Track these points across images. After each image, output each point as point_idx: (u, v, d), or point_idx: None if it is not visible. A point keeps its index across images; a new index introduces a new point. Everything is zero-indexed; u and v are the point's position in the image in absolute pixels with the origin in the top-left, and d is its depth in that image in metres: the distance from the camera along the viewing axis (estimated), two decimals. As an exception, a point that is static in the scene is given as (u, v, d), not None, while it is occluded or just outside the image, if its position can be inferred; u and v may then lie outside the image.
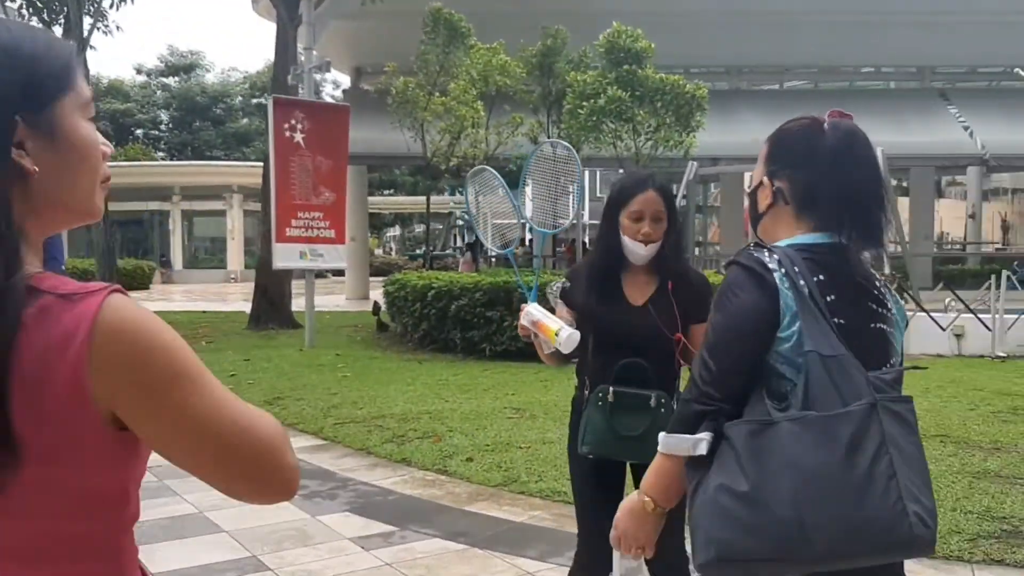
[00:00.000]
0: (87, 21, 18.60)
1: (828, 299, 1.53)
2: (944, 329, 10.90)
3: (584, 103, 12.56)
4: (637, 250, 2.51)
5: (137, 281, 30.20)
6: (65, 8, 17.42)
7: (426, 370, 9.78)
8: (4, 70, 0.92)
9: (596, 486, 2.59)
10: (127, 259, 32.58)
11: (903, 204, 23.31)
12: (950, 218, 34.60)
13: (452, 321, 11.08)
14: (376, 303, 14.39)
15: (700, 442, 1.51)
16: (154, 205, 37.89)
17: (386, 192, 53.21)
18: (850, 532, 1.39)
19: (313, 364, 10.25)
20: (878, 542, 1.39)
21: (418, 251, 46.44)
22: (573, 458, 2.67)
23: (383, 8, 15.89)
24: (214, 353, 11.45)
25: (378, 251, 49.40)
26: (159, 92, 59.70)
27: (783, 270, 1.53)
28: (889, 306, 1.62)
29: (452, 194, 43.04)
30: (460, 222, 42.39)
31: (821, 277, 1.54)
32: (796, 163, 1.63)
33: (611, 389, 2.47)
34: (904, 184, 26.83)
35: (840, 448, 1.40)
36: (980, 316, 11.04)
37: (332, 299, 24.00)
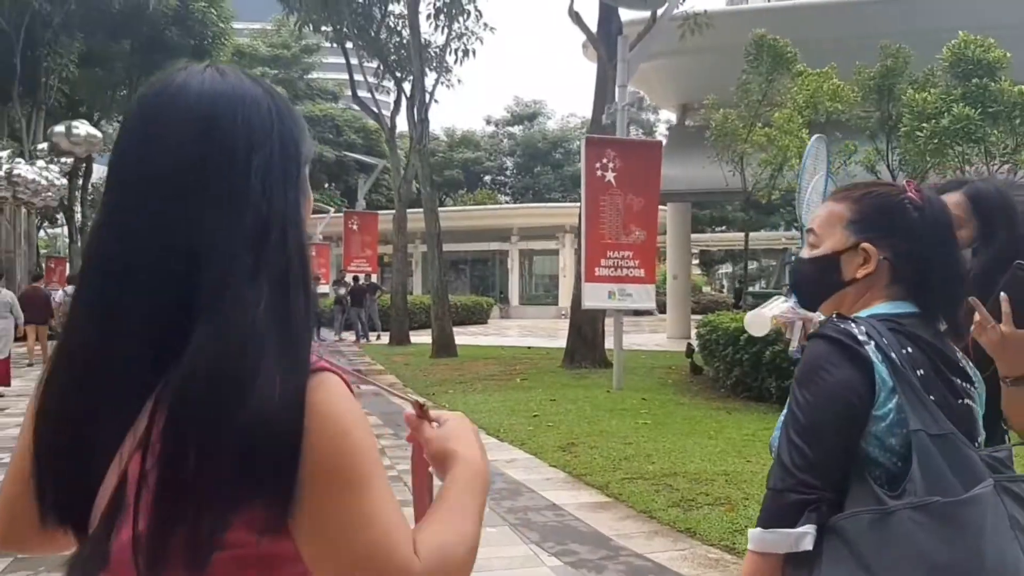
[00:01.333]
0: (432, 76, 20.36)
1: (919, 373, 1.43)
2: None
3: (924, 124, 10.99)
4: None
5: (475, 316, 32.29)
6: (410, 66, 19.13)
7: (733, 422, 9.04)
8: (294, 126, 0.95)
9: None
10: (468, 296, 35.07)
11: None
12: None
13: (767, 368, 10.20)
14: (690, 344, 13.82)
15: (804, 537, 1.37)
16: (495, 245, 40.46)
17: (718, 228, 52.21)
18: None
19: (616, 408, 9.94)
20: None
21: (751, 288, 44.82)
22: None
23: (707, 42, 15.43)
24: (524, 391, 11.61)
25: (706, 288, 48.32)
26: (505, 140, 64.26)
27: (874, 342, 1.43)
28: (973, 380, 1.52)
29: (787, 229, 41.04)
30: (793, 258, 40.24)
31: (909, 350, 1.44)
32: (895, 231, 1.54)
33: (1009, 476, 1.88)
34: None
35: (971, 537, 1.31)
36: None
37: (653, 338, 23.72)
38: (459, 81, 23.77)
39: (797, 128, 13.22)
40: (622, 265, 11.80)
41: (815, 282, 1.62)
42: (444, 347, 17.05)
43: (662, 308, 28.27)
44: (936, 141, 10.80)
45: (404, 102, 20.13)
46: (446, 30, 19.40)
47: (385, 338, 21.88)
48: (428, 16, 18.95)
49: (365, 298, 23.25)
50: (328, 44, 23.37)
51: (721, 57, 16.36)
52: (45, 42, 27.82)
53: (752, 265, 48.03)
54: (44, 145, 26.71)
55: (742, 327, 10.65)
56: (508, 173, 64.68)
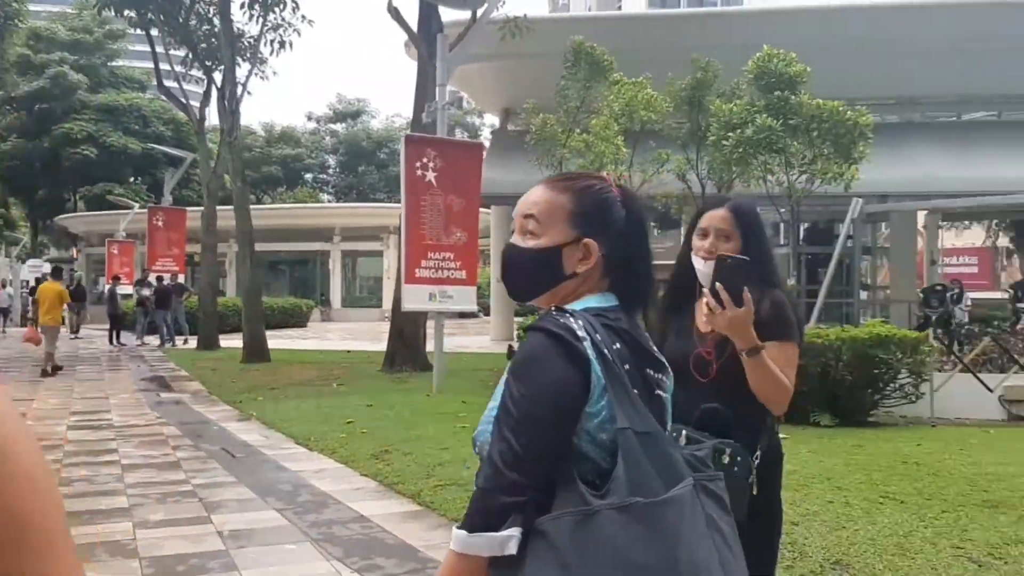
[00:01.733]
0: (245, 67, 19.40)
1: (626, 368, 1.45)
2: (991, 391, 9.43)
3: (730, 134, 11.51)
4: (697, 265, 2.40)
5: (294, 319, 31.19)
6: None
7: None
8: None
9: None
10: (286, 297, 33.83)
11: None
12: None
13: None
14: (511, 346, 13.83)
15: (509, 540, 1.35)
16: (316, 245, 39.30)
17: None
18: None
19: (435, 412, 9.73)
20: None
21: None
22: None
23: (529, 47, 15.52)
24: (340, 397, 11.19)
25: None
26: (328, 138, 62.83)
27: (590, 338, 1.44)
28: (665, 369, 1.57)
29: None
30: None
31: (618, 345, 1.47)
32: (609, 227, 1.55)
33: (684, 432, 2.20)
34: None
35: (668, 538, 1.33)
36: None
37: (478, 340, 23.73)
38: (274, 73, 23.21)
39: (613, 135, 13.51)
40: (443, 267, 11.62)
41: (533, 273, 1.57)
42: (256, 352, 16.25)
43: (487, 311, 28.38)
44: (740, 150, 11.34)
45: (215, 93, 19.03)
46: (261, 20, 18.52)
47: (194, 342, 20.65)
48: (242, 5, 18.03)
49: (171, 300, 21.87)
50: (132, 30, 21.79)
51: (542, 63, 16.52)
52: None
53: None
54: None
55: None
56: (331, 171, 63.28)
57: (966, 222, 33.79)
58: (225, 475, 6.90)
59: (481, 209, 14.00)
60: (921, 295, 16.71)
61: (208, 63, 19.45)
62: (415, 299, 11.59)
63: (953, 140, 20.21)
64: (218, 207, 19.87)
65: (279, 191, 59.79)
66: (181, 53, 19.96)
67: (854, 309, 19.99)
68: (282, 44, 19.50)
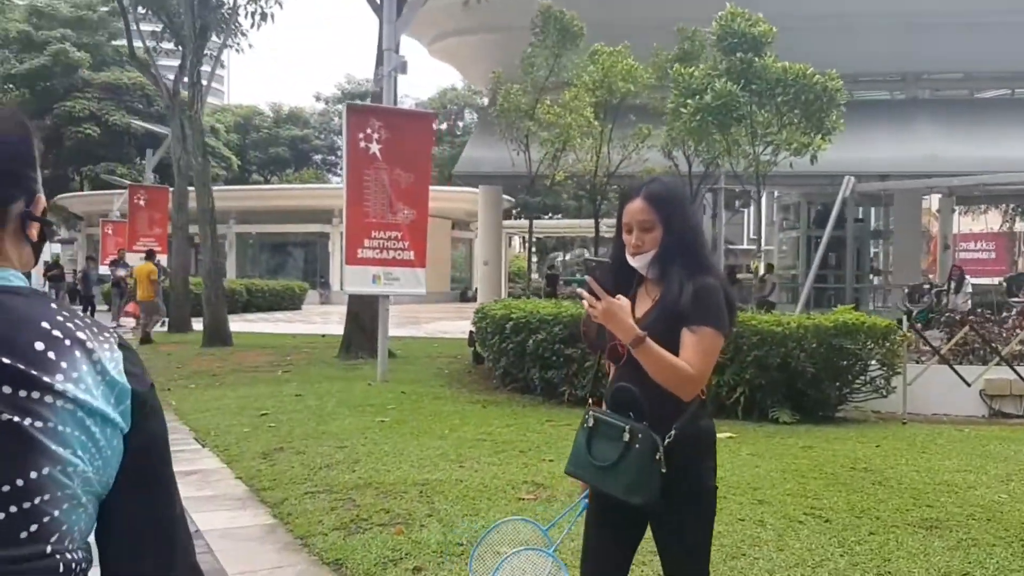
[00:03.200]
0: (219, 40, 18.64)
1: None
2: (969, 384, 8.54)
3: (688, 100, 10.54)
4: (631, 262, 2.43)
5: (286, 301, 30.58)
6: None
7: (482, 417, 8.27)
8: None
9: (599, 526, 2.47)
10: (278, 280, 33.25)
11: None
12: None
13: (531, 358, 9.54)
14: (471, 333, 13.06)
15: None
16: (316, 227, 38.67)
17: (556, 216, 52.28)
18: None
19: (363, 404, 8.98)
20: None
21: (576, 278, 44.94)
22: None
23: (510, 20, 14.64)
24: (275, 385, 10.46)
25: (535, 276, 48.29)
26: (336, 119, 62.02)
27: None
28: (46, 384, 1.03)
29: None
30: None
31: None
32: None
33: (592, 414, 2.41)
34: None
35: None
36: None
37: (460, 324, 22.96)
38: (250, 46, 22.05)
39: (583, 106, 12.63)
40: (388, 247, 10.83)
41: None
42: (216, 335, 15.57)
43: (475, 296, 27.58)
44: (699, 118, 10.38)
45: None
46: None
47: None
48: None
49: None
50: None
51: (524, 35, 15.66)
52: None
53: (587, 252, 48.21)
54: None
55: (508, 315, 9.96)
56: (339, 153, 62.58)
57: (982, 206, 32.50)
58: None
59: (468, 189, 13.20)
60: (907, 291, 15.77)
61: (182, 34, 18.69)
62: (357, 281, 10.83)
63: (962, 118, 19.14)
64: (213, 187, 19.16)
65: (287, 172, 59.21)
66: (158, 27, 19.25)
67: (864, 294, 19.04)
68: (263, 16, 18.73)
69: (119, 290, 21.44)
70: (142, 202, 24.33)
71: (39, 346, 1.01)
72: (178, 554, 1.14)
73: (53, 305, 1.07)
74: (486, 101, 25.56)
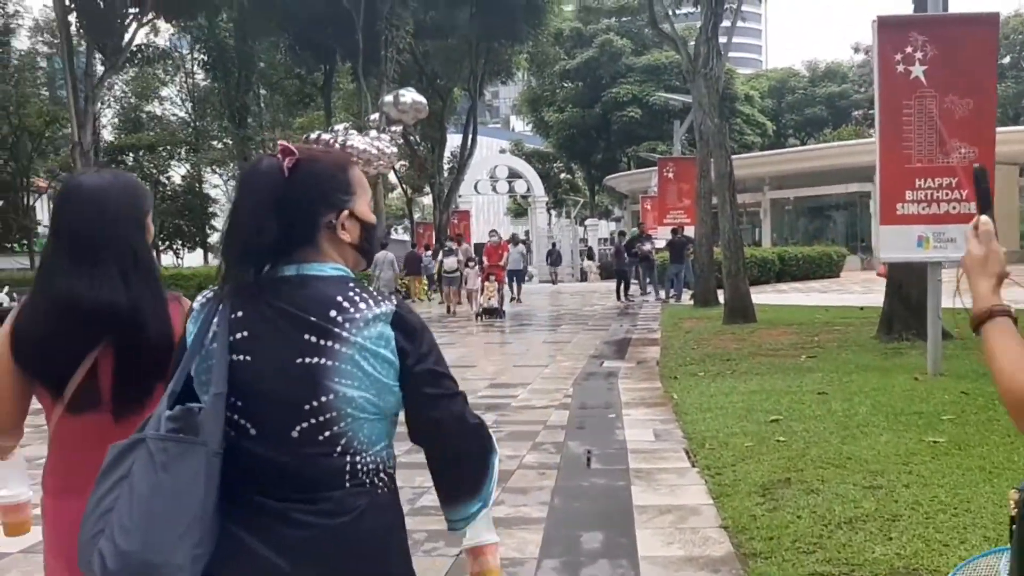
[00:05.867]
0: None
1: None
2: None
3: None
4: None
5: (821, 269, 28.16)
6: None
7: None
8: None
9: None
10: (814, 246, 30.84)
11: None
12: None
13: None
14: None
15: None
16: (854, 187, 35.23)
17: None
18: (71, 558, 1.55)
19: (908, 410, 6.71)
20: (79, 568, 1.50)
21: None
22: None
23: None
24: (796, 376, 8.63)
25: None
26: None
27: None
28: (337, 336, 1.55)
29: None
30: None
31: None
32: None
33: None
34: None
35: (99, 478, 1.52)
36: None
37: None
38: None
39: None
40: (938, 198, 8.23)
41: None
42: (737, 310, 14.15)
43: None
44: None
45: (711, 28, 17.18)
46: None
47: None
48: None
49: (683, 253, 20.80)
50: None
51: None
52: (383, 16, 28.77)
53: None
54: (375, 116, 27.84)
55: None
56: (883, 106, 56.85)
57: None
58: (538, 498, 5.14)
59: None
60: None
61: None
62: (896, 244, 8.44)
63: None
64: (743, 154, 18.07)
65: (824, 132, 55.66)
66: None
67: None
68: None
69: (648, 264, 21.44)
70: (671, 174, 24.14)
71: (332, 312, 1.52)
72: (474, 430, 1.65)
73: (351, 284, 1.57)
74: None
